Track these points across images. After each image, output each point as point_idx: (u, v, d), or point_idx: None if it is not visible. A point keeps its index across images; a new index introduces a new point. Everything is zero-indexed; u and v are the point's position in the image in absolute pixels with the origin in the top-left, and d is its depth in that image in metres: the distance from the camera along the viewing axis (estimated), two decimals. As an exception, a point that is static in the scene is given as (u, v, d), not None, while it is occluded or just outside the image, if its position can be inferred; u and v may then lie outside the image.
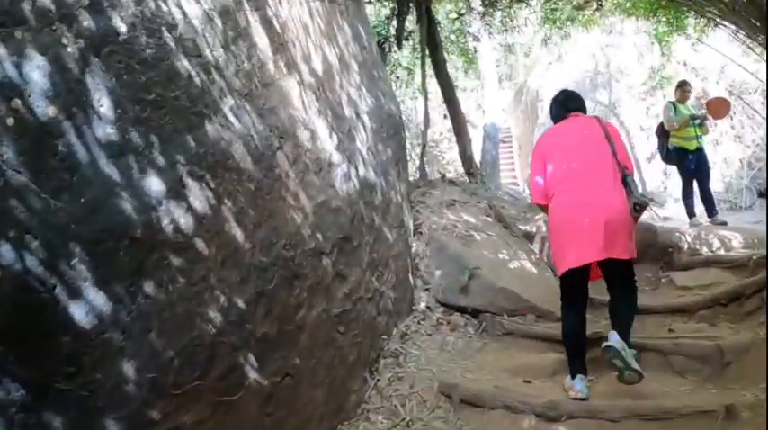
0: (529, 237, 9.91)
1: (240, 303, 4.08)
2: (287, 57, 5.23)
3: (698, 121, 11.58)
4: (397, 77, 16.40)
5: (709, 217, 11.71)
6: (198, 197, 3.76)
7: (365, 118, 6.94)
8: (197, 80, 3.89)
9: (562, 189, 5.56)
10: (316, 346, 5.03)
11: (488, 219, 9.92)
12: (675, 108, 11.63)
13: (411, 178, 11.31)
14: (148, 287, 3.40)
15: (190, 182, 3.71)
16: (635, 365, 5.11)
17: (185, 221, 3.64)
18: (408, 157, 10.20)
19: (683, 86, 12.05)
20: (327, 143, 5.67)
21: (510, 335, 7.31)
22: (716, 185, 18.58)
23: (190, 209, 3.68)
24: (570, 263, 5.43)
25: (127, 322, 3.27)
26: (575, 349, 5.62)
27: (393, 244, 7.16)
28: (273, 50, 4.96)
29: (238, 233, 4.11)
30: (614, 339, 5.15)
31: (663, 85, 17.89)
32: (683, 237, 10.02)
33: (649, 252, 9.56)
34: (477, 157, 15.59)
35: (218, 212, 3.94)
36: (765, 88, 17.02)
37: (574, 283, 5.63)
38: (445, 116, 15.12)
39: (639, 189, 5.53)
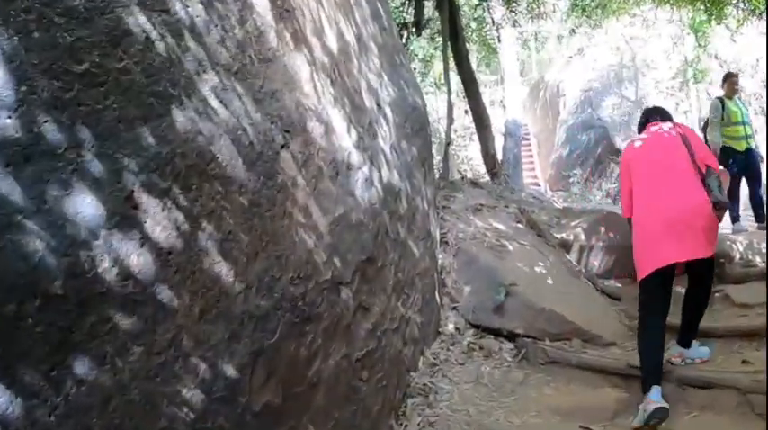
0: (566, 246, 8.94)
1: (230, 370, 2.99)
2: (294, 27, 4.16)
3: (748, 121, 10.63)
4: (414, 69, 15.19)
5: (757, 222, 10.67)
6: (159, 222, 2.63)
7: (387, 110, 6.00)
8: (160, 46, 2.76)
9: (643, 196, 5.58)
10: (333, 404, 4.07)
11: (519, 225, 8.99)
12: (723, 105, 10.65)
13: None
14: (81, 367, 2.28)
15: (146, 199, 2.58)
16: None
17: (139, 261, 2.52)
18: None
19: (731, 78, 11.01)
20: (345, 139, 4.72)
21: (555, 365, 6.32)
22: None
23: (146, 240, 2.55)
24: (653, 264, 5.34)
25: (49, 425, 2.15)
26: (653, 364, 5.34)
27: (419, 259, 6.28)
28: (276, 17, 3.89)
29: (224, 269, 3.01)
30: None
31: (698, 78, 16.62)
32: (734, 245, 9.05)
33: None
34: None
35: (193, 242, 2.83)
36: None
37: (656, 289, 5.50)
38: (466, 112, 13.93)
39: (722, 192, 5.39)
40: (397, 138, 6.06)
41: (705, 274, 5.64)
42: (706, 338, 6.18)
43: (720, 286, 8.22)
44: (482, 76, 27.36)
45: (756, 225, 10.58)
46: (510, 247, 8.01)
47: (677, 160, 5.50)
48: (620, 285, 8.58)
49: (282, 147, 3.69)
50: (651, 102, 19.91)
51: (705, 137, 10.76)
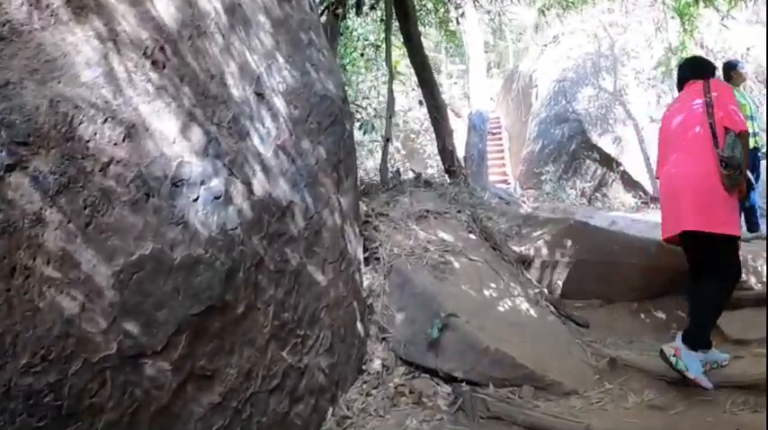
0: (525, 261, 7.80)
1: None
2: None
3: (756, 116, 9.59)
4: (362, 55, 13.88)
5: (748, 232, 9.50)
6: None
7: (277, 101, 4.80)
8: None
9: (667, 162, 5.60)
10: None
11: (471, 236, 7.86)
12: None
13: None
14: None
15: None
16: (679, 366, 4.93)
17: None
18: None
19: (737, 67, 9.83)
20: (176, 144, 3.52)
21: (497, 422, 5.08)
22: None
23: None
24: (662, 234, 5.65)
25: None
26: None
27: (326, 287, 5.17)
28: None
29: None
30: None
31: (684, 67, 15.38)
32: None
33: (682, 283, 7.11)
34: (461, 152, 13.31)
35: None
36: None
37: (686, 253, 5.63)
38: (420, 102, 12.61)
39: (731, 151, 5.00)
40: (292, 137, 4.87)
41: (710, 261, 5.22)
42: (686, 386, 5.10)
43: None
44: (451, 66, 26.32)
45: (749, 235, 9.36)
46: (456, 264, 6.92)
47: (693, 127, 5.34)
48: (589, 307, 7.55)
49: (11, 168, 2.50)
50: (631, 94, 19.24)
51: None
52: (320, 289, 4.97)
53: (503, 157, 22.19)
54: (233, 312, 3.71)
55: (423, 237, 7.30)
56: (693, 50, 15.61)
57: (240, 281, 3.78)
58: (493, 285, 6.80)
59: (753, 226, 9.45)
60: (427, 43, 22.45)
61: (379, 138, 15.47)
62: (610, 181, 18.45)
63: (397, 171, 11.29)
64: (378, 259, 6.77)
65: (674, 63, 15.53)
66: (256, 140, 4.26)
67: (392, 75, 10.32)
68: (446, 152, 11.28)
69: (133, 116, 3.22)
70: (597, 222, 8.98)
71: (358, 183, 6.94)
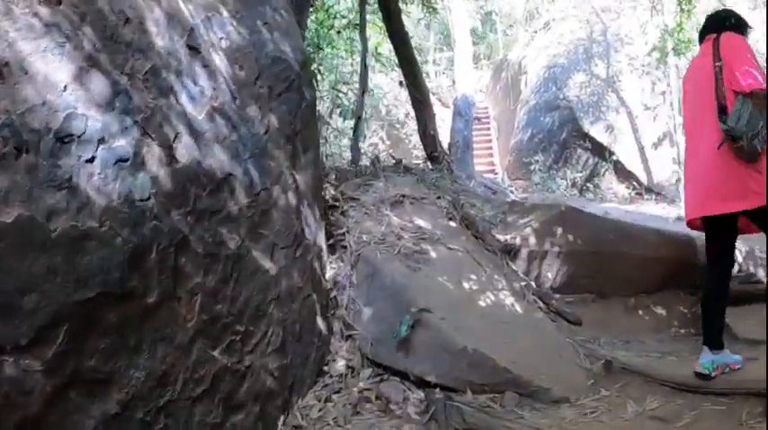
0: (510, 251, 7.13)
1: None
2: None
3: None
4: (338, 33, 13.10)
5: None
6: None
7: (216, 58, 4.15)
8: None
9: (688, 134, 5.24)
10: None
11: (452, 223, 7.20)
12: None
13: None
14: None
15: None
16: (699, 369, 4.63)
17: None
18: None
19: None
20: (61, 92, 2.82)
21: None
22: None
23: None
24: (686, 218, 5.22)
25: None
26: (706, 314, 4.92)
27: (276, 276, 4.51)
28: None
29: None
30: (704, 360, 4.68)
31: (680, 50, 14.74)
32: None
33: (684, 276, 6.99)
34: (446, 139, 12.69)
35: None
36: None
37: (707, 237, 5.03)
38: (401, 83, 11.90)
39: (736, 121, 4.44)
40: (237, 101, 4.21)
41: (724, 249, 4.88)
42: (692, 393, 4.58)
43: None
44: (438, 54, 25.75)
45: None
46: (432, 254, 6.30)
47: (702, 97, 4.85)
48: (582, 303, 6.97)
49: None
50: (624, 80, 18.61)
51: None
52: (268, 278, 4.33)
53: (491, 147, 21.58)
54: (140, 302, 3.02)
55: (396, 223, 6.69)
56: (691, 32, 15.06)
57: (152, 264, 3.08)
58: (473, 277, 6.16)
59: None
60: (413, 28, 21.89)
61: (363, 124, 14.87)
62: (602, 171, 17.83)
63: (376, 158, 10.66)
64: (344, 247, 6.17)
65: (669, 47, 14.94)
66: (184, 99, 3.58)
67: (365, 47, 9.60)
68: (428, 137, 10.64)
69: (6, 53, 2.54)
70: (591, 210, 8.34)
71: (321, 159, 6.30)
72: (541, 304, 6.42)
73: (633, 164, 17.36)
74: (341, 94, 13.62)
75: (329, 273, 5.81)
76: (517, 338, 5.35)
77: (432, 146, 10.62)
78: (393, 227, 6.56)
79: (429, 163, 10.74)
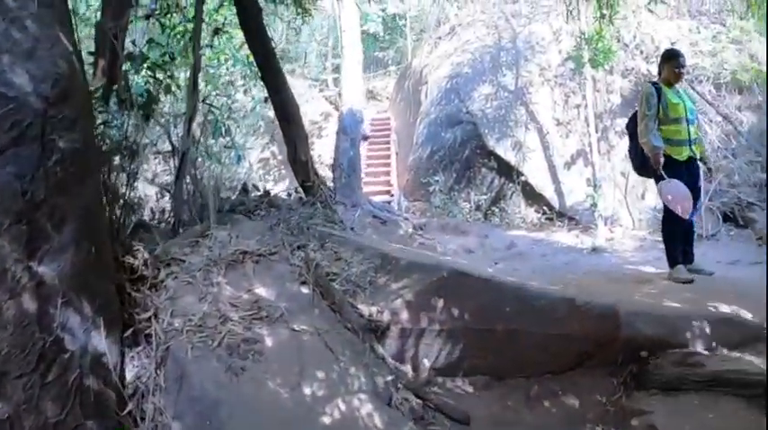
0: (376, 330, 5.76)
1: None
2: None
3: (693, 119, 7.89)
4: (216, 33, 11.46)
5: (684, 262, 7.92)
6: None
7: None
8: None
9: None
10: None
11: (304, 289, 5.85)
12: (660, 94, 7.75)
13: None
14: None
15: None
16: None
17: None
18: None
19: (672, 60, 7.99)
20: None
21: None
22: (657, 202, 15.32)
23: None
24: None
25: None
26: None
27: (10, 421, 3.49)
28: None
29: None
30: None
31: (599, 62, 13.74)
32: (664, 324, 6.04)
33: (604, 355, 5.93)
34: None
35: None
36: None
37: None
38: (266, 99, 10.39)
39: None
40: None
41: None
42: None
43: (635, 399, 5.60)
44: (335, 61, 24.50)
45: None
46: (268, 342, 4.98)
47: None
48: (470, 390, 5.75)
49: None
50: (534, 92, 17.52)
51: (631, 139, 8.17)
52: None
53: (389, 165, 20.12)
54: None
55: (227, 296, 5.37)
56: (611, 40, 14.18)
57: None
58: (320, 375, 4.87)
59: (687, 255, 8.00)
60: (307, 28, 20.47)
61: (232, 144, 13.28)
62: (509, 193, 16.67)
63: (244, 188, 9.17)
64: (148, 338, 4.75)
65: (586, 57, 13.88)
66: None
67: (197, 65, 7.99)
68: (298, 163, 9.16)
69: None
70: (481, 271, 6.87)
71: (106, 226, 4.84)
72: (415, 402, 5.17)
73: (543, 185, 16.25)
74: (213, 109, 12.09)
75: (131, 374, 4.52)
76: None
77: (304, 174, 9.17)
78: (221, 302, 5.24)
79: (303, 192, 9.31)
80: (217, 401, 4.24)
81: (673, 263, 7.94)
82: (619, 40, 16.08)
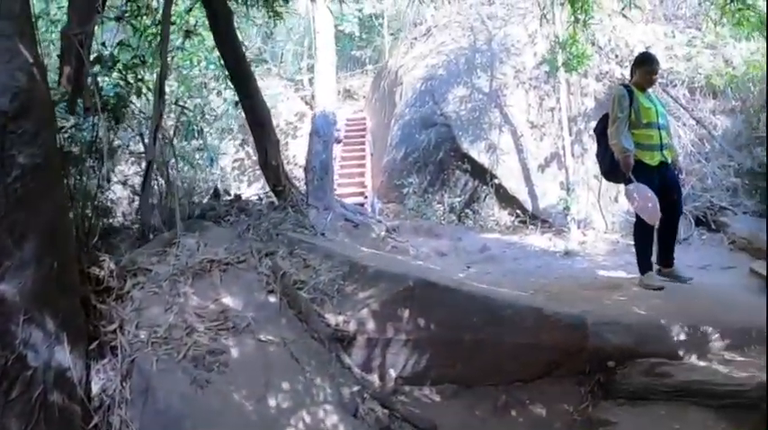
0: (343, 340, 5.72)
1: None
2: None
3: (664, 123, 7.74)
4: (188, 34, 11.31)
5: (663, 266, 7.86)
6: None
7: None
8: None
9: None
10: None
11: (271, 299, 5.88)
12: (632, 97, 7.55)
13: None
14: None
15: None
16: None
17: None
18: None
19: (646, 64, 7.89)
20: None
21: None
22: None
23: None
24: None
25: None
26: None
27: None
28: None
29: None
30: None
31: (573, 66, 13.70)
32: (632, 333, 6.01)
33: (572, 365, 5.92)
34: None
35: None
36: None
37: None
38: (236, 104, 10.31)
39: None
40: None
41: None
42: None
43: (602, 409, 5.57)
44: (310, 61, 24.42)
45: (662, 270, 7.87)
46: (234, 353, 4.99)
47: None
48: (438, 399, 5.72)
49: None
50: (509, 95, 17.36)
51: (599, 143, 7.99)
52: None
53: (363, 166, 19.94)
54: None
55: (194, 306, 5.38)
56: (586, 45, 14.15)
57: None
58: (286, 386, 4.89)
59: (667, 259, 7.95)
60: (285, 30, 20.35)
61: (205, 146, 13.22)
62: (483, 196, 16.54)
63: (215, 193, 9.11)
64: (113, 350, 4.75)
65: (560, 61, 13.87)
66: None
67: (164, 68, 7.92)
68: (269, 168, 9.12)
69: None
70: (450, 279, 6.82)
71: (72, 237, 4.82)
72: (381, 412, 5.15)
73: (517, 188, 16.15)
74: (186, 111, 11.96)
75: (97, 387, 4.56)
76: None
77: (275, 178, 9.15)
78: (187, 313, 5.26)
79: (275, 197, 9.27)
80: (181, 414, 4.25)
81: (644, 269, 7.74)
82: (593, 44, 15.98)
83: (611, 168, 7.73)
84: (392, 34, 28.29)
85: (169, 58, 11.15)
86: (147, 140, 7.62)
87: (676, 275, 7.68)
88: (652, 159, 7.45)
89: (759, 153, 14.19)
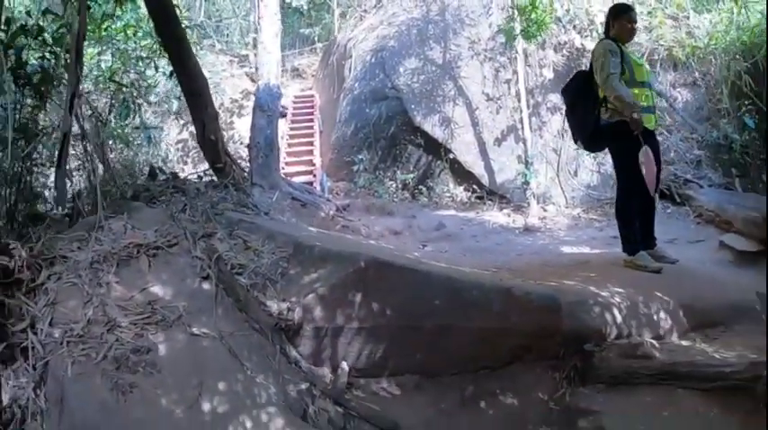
0: (288, 331, 5.13)
1: None
2: None
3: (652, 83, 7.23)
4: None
5: (644, 248, 7.19)
6: None
7: None
8: None
9: None
10: None
11: (206, 285, 5.26)
12: (622, 52, 6.88)
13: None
14: None
15: None
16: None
17: None
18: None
19: (625, 13, 7.19)
20: None
21: None
22: (591, 180, 15.31)
23: None
24: None
25: None
26: None
27: None
28: None
29: None
30: None
31: (532, 33, 13.36)
32: (610, 313, 5.59)
33: (545, 348, 5.50)
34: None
35: None
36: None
37: None
38: (171, 74, 9.63)
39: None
40: None
41: None
42: None
43: (581, 396, 5.21)
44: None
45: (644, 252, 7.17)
46: (162, 350, 4.42)
47: None
48: (398, 392, 5.18)
49: None
50: (463, 67, 17.02)
51: (573, 106, 7.37)
52: None
53: (312, 144, 19.41)
54: None
55: (117, 296, 4.77)
56: (545, 15, 13.77)
57: None
58: (223, 387, 4.33)
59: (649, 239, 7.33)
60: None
61: (142, 124, 12.59)
62: (437, 171, 16.17)
63: (151, 172, 8.48)
64: (24, 352, 4.23)
65: (518, 29, 13.48)
66: None
67: (83, 24, 7.17)
68: (207, 143, 8.41)
69: None
70: (407, 258, 6.23)
71: None
72: (335, 410, 4.69)
73: (473, 163, 15.77)
74: (123, 87, 11.31)
75: (8, 396, 4.07)
76: None
77: (213, 154, 8.44)
78: (109, 305, 4.63)
79: (215, 175, 8.64)
80: (99, 428, 3.66)
81: (632, 249, 7.14)
82: (552, 15, 15.53)
83: (595, 133, 7.03)
84: (342, 10, 27.72)
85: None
86: (87, 115, 7.04)
87: (661, 256, 7.08)
88: (649, 122, 6.78)
89: (723, 125, 14.13)
